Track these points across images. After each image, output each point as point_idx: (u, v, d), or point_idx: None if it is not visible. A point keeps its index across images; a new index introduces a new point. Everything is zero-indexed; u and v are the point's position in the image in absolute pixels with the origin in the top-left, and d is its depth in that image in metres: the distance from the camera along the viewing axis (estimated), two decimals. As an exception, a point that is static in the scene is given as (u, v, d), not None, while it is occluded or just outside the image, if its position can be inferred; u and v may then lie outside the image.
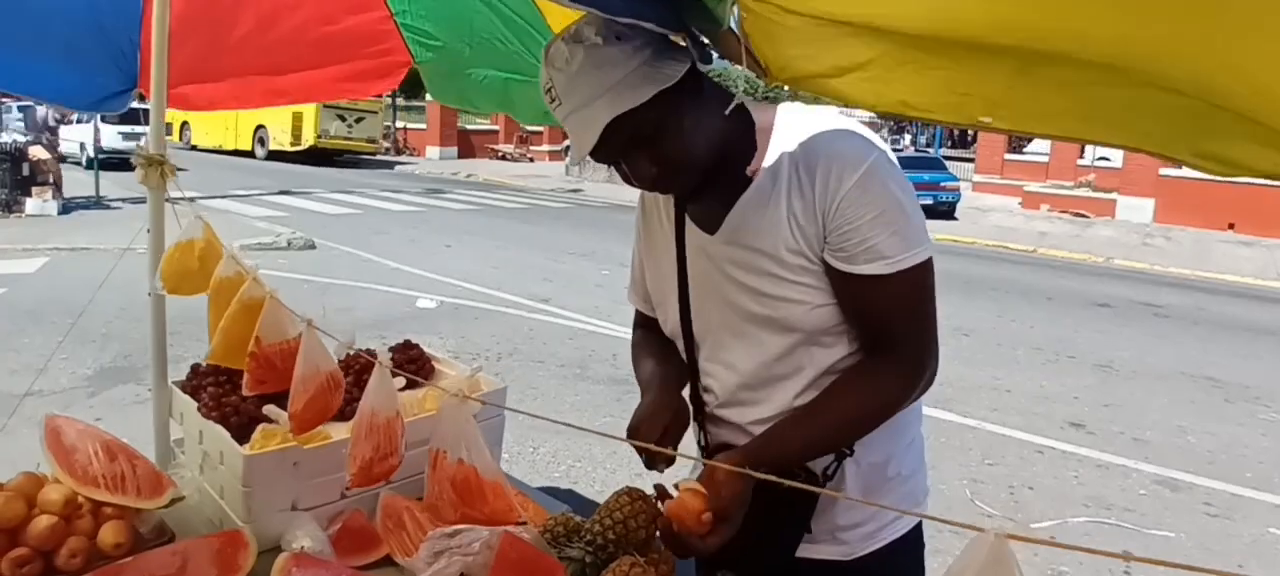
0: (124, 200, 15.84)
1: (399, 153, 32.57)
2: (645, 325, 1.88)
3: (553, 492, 2.84)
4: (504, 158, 32.72)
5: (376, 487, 1.71)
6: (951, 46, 1.07)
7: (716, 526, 1.37)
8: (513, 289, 10.01)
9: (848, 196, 1.36)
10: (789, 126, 1.46)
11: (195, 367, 2.29)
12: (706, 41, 1.45)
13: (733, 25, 1.30)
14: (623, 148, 1.39)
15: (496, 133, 34.24)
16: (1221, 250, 16.68)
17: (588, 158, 1.41)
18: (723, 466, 1.36)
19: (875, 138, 1.40)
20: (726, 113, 1.40)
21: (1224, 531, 4.77)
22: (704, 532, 1.36)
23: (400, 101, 35.80)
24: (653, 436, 1.52)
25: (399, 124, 33.59)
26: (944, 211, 19.66)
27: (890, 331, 1.43)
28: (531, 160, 32.58)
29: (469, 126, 34.16)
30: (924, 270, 1.39)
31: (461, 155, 32.87)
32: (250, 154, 27.66)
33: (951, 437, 5.85)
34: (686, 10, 1.39)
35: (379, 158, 30.10)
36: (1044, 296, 11.26)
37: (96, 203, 15.67)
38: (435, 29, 2.67)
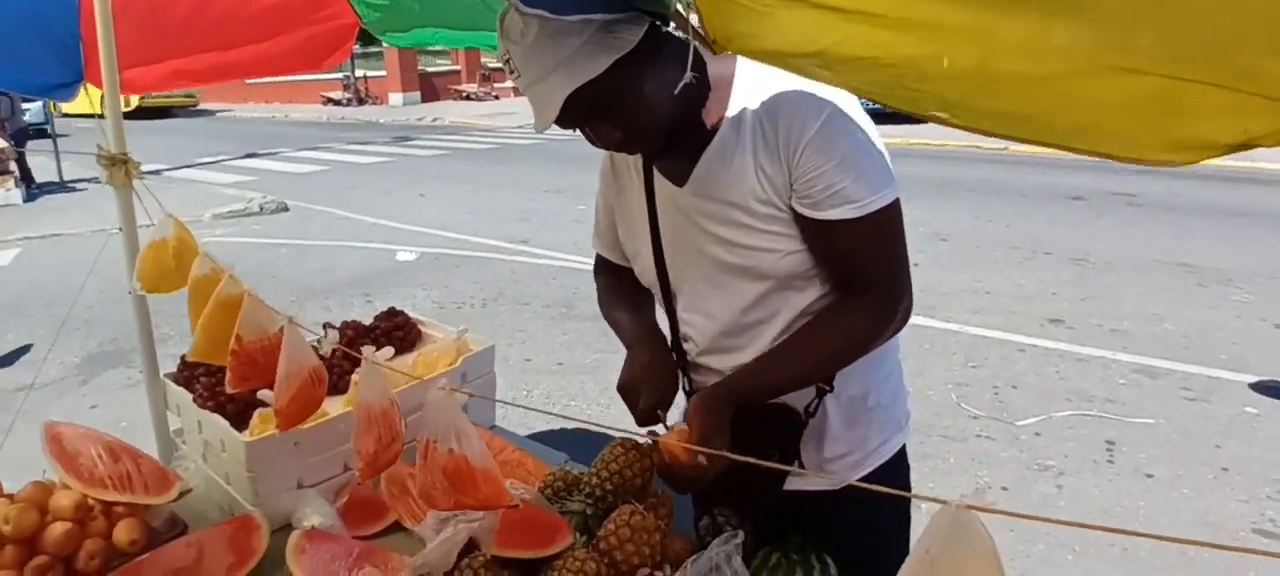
0: (87, 181, 15.57)
1: (361, 102, 31.96)
2: (610, 271, 1.89)
3: (549, 436, 2.91)
4: (468, 98, 32.21)
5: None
6: (909, 34, 1.07)
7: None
8: (491, 233, 10.00)
9: (810, 144, 1.39)
10: (750, 78, 1.49)
11: (185, 359, 2.32)
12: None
13: (680, 7, 1.29)
14: (585, 115, 1.40)
15: (459, 72, 33.68)
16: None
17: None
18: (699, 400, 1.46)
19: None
20: (687, 74, 1.38)
21: (1202, 413, 4.92)
22: (693, 464, 1.43)
23: (356, 49, 34.99)
24: (653, 401, 1.57)
25: (358, 72, 32.88)
26: (911, 116, 19.59)
27: (861, 273, 1.46)
28: (497, 98, 32.07)
29: (430, 69, 33.55)
30: (890, 211, 1.42)
31: (425, 99, 32.34)
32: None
33: (935, 343, 5.97)
34: None
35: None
36: (1018, 193, 11.34)
37: (61, 186, 15.39)
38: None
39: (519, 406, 5.11)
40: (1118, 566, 3.58)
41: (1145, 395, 5.21)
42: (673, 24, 1.41)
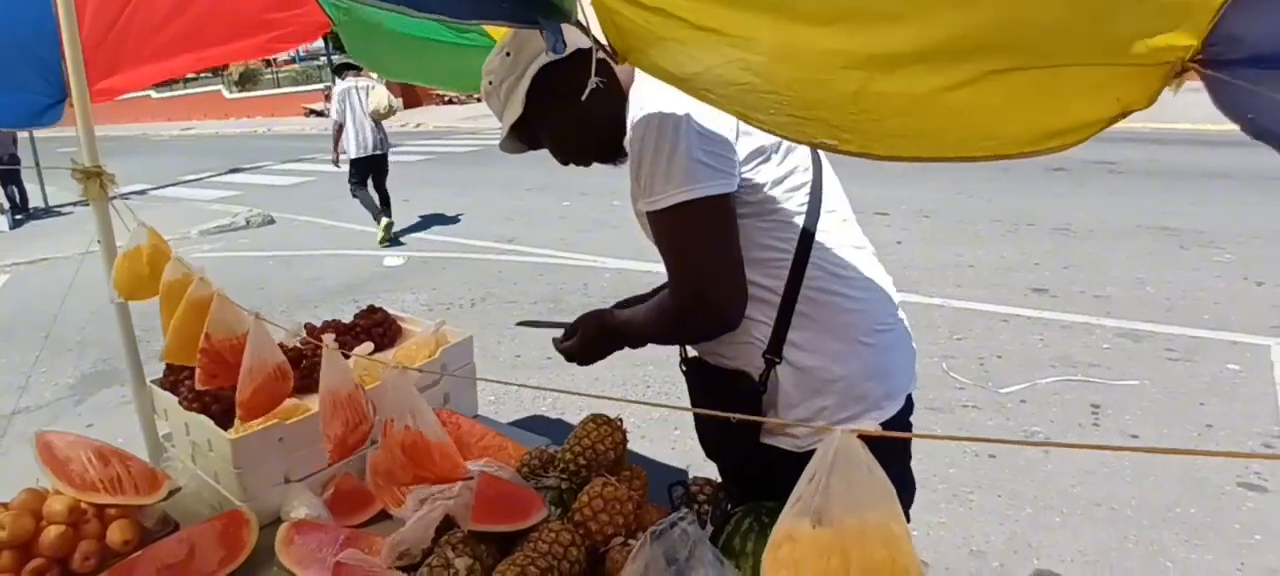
0: (74, 204, 15.53)
1: (344, 113, 31.79)
2: None
3: (538, 424, 2.95)
4: (450, 101, 32.08)
5: (359, 453, 1.80)
6: (786, 62, 1.06)
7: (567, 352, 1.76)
8: (477, 233, 10.03)
9: (632, 143, 1.53)
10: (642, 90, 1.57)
11: (170, 365, 2.36)
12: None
13: (581, 15, 1.32)
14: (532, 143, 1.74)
15: (441, 77, 33.56)
16: (1171, 97, 16.70)
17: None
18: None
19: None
20: (592, 80, 1.51)
21: (1186, 373, 4.98)
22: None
23: (336, 59, 34.89)
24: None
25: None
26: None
27: (665, 262, 1.58)
28: (478, 100, 31.83)
29: (412, 75, 33.44)
30: (676, 213, 1.49)
31: (407, 105, 32.14)
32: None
33: (919, 317, 6.02)
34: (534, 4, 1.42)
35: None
36: (999, 168, 11.37)
37: (46, 211, 15.36)
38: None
39: (500, 383, 5.16)
40: (1104, 526, 3.63)
41: (1129, 358, 5.27)
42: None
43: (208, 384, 1.90)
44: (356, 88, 9.53)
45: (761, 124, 1.11)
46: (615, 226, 9.70)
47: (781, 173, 1.55)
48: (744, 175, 1.51)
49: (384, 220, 9.93)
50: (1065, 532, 3.60)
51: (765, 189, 1.54)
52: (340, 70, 9.88)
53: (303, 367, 2.21)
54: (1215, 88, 0.87)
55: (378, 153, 9.78)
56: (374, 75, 9.28)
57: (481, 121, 24.69)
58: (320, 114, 31.46)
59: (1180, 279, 6.56)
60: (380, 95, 9.57)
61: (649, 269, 7.55)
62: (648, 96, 1.49)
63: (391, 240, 9.86)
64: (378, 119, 9.63)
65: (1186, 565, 3.37)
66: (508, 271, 8.35)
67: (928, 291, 6.51)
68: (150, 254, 2.05)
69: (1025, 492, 3.90)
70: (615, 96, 1.62)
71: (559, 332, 1.81)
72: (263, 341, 1.82)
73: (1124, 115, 0.98)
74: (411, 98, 32.45)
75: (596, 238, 9.26)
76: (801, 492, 0.94)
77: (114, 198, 2.42)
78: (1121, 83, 0.95)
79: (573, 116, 1.65)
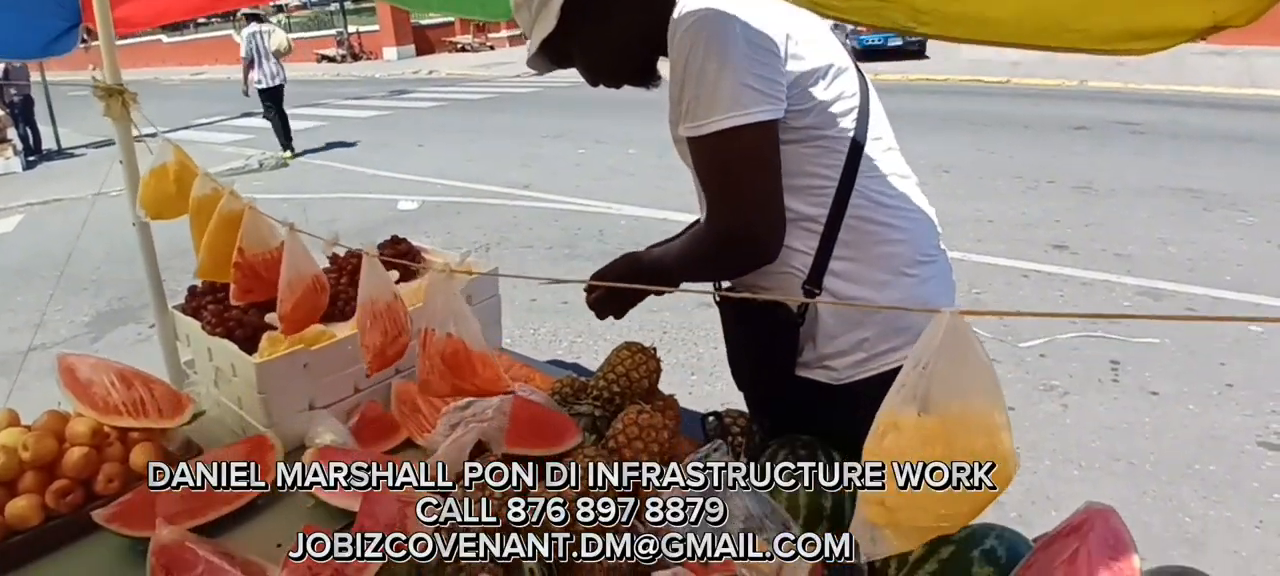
0: (86, 146, 15.54)
1: (355, 58, 31.64)
2: None
3: (555, 369, 2.92)
4: (463, 49, 31.85)
5: (392, 369, 1.77)
6: None
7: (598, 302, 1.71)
8: (492, 179, 9.97)
9: (675, 62, 1.45)
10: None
11: (192, 289, 2.34)
12: None
13: None
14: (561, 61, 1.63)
15: (453, 24, 33.26)
16: (1196, 62, 16.46)
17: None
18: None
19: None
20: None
21: (1207, 333, 4.91)
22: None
23: (349, 5, 34.62)
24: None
25: (351, 28, 32.50)
26: (914, 51, 19.34)
27: (704, 190, 1.52)
28: (492, 48, 31.68)
29: (424, 22, 33.14)
30: (726, 138, 1.41)
31: (420, 53, 31.97)
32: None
33: (938, 273, 5.97)
34: None
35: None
36: (1021, 125, 11.26)
37: (59, 153, 15.36)
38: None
39: (533, 279, 5.15)
40: (1123, 480, 3.62)
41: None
42: None
43: (243, 298, 1.87)
44: (261, 31, 12.13)
45: (840, 12, 1.09)
46: (631, 174, 9.63)
47: (830, 96, 1.49)
48: (791, 98, 1.45)
49: (286, 150, 12.58)
50: (1084, 486, 3.58)
51: (812, 114, 1.48)
52: (248, 18, 12.33)
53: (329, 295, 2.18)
54: None
55: (278, 83, 12.33)
56: (273, 21, 12.28)
57: (495, 69, 24.51)
58: (332, 59, 31.32)
59: (1203, 239, 6.48)
60: (279, 37, 12.45)
61: (665, 216, 7.50)
62: (692, 10, 1.41)
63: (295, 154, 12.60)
64: (279, 56, 12.22)
65: (1205, 521, 3.35)
66: (522, 217, 8.31)
67: (947, 245, 6.43)
68: (177, 171, 2.01)
69: (1044, 445, 3.88)
70: (656, 9, 1.52)
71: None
72: (298, 253, 1.78)
73: (1216, 29, 0.95)
74: (424, 44, 32.23)
75: (612, 185, 9.20)
76: (906, 378, 0.90)
77: (137, 138, 2.38)
78: None
79: (610, 32, 1.57)
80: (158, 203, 2.06)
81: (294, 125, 13.17)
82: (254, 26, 12.08)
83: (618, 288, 1.62)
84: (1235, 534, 3.27)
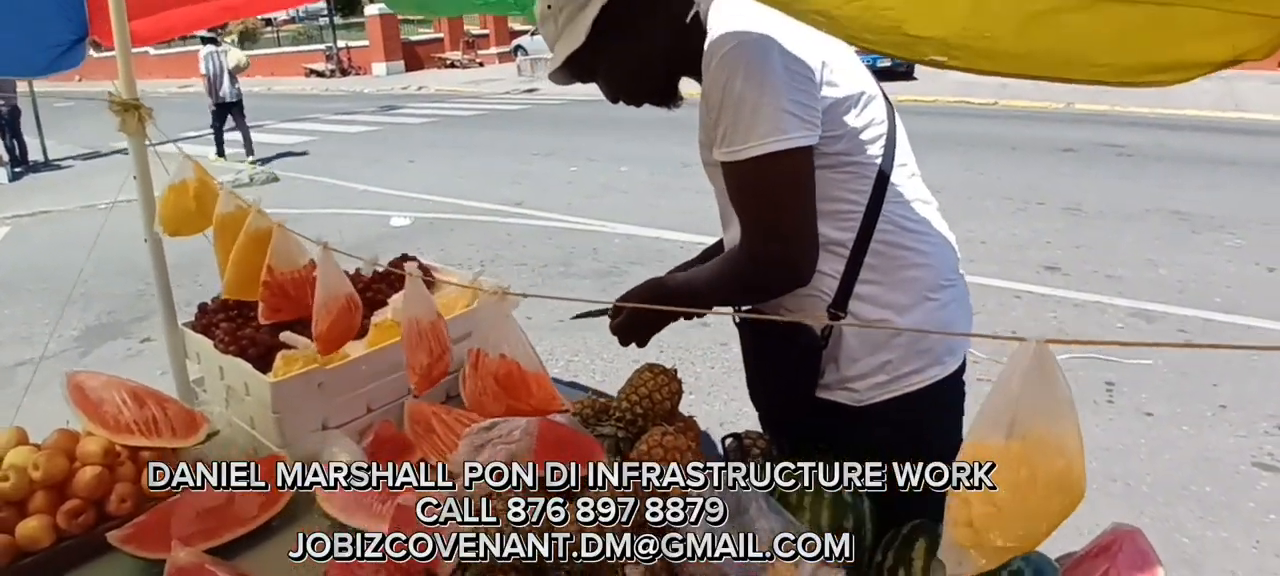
0: (73, 158, 15.44)
1: (344, 73, 31.59)
2: None
3: (557, 384, 2.92)
4: (453, 65, 31.86)
5: (436, 387, 1.77)
6: None
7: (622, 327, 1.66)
8: (483, 196, 9.96)
9: (711, 86, 1.45)
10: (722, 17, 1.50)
11: (203, 307, 2.32)
12: None
13: None
14: (586, 76, 1.61)
15: (442, 40, 33.31)
16: (1180, 86, 16.57)
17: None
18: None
19: (763, 25, 1.42)
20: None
21: (1200, 354, 4.96)
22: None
23: (337, 20, 34.60)
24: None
25: (340, 44, 32.45)
26: (902, 72, 19.50)
27: (740, 215, 1.52)
28: (481, 65, 31.73)
29: (413, 38, 33.14)
30: (764, 163, 1.41)
31: (409, 68, 31.96)
32: None
33: (932, 294, 6.00)
34: None
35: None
36: (1009, 146, 11.36)
37: (45, 164, 15.23)
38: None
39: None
40: (1120, 502, 3.63)
41: (1141, 338, 5.27)
42: None
43: (272, 318, 1.86)
44: (217, 51, 13.30)
45: (873, 46, 1.10)
46: (624, 192, 9.65)
47: (861, 123, 1.50)
48: (825, 124, 1.46)
49: (248, 156, 13.57)
50: (1083, 507, 3.54)
51: (844, 140, 1.49)
52: (205, 40, 13.27)
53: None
54: None
55: (235, 100, 13.51)
56: (226, 40, 13.56)
57: (484, 85, 24.54)
58: (321, 74, 31.27)
59: (1191, 262, 6.54)
60: (235, 55, 13.71)
61: (659, 234, 7.53)
62: (731, 34, 1.42)
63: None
64: (235, 74, 13.37)
65: (1202, 542, 3.37)
66: (516, 234, 8.31)
67: (939, 266, 6.49)
68: (197, 188, 2.00)
69: (1041, 467, 3.89)
70: (685, 32, 1.53)
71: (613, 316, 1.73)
72: (331, 272, 1.78)
73: (1237, 61, 0.98)
74: (413, 60, 32.24)
75: (605, 203, 9.22)
76: (992, 404, 0.93)
77: (150, 145, 2.36)
78: (1239, 31, 0.95)
79: (638, 50, 1.57)
80: (176, 219, 2.05)
81: (280, 140, 13.47)
82: (210, 47, 13.19)
83: (644, 311, 1.60)
84: (1232, 554, 3.29)
